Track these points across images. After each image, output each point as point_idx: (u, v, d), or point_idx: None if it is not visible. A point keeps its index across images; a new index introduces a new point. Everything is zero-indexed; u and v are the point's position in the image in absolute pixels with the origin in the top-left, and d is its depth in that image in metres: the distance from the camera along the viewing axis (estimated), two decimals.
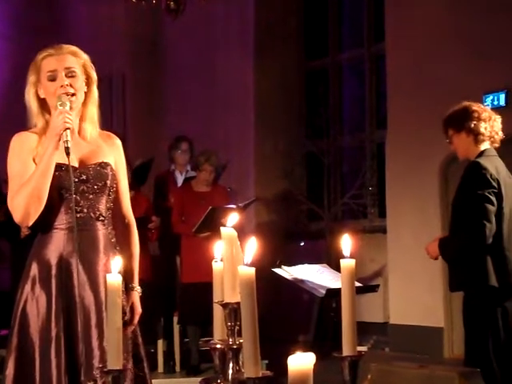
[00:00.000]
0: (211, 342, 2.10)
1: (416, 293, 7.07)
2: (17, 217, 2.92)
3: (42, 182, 2.87)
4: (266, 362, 5.09)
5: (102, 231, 3.02)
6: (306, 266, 5.24)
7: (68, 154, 2.82)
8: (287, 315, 8.05)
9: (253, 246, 1.76)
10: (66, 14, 10.00)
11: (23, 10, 9.86)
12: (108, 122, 8.56)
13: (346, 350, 1.94)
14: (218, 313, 2.12)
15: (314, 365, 1.52)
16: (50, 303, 2.92)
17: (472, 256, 4.18)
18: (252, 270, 1.71)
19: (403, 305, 7.22)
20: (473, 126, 4.27)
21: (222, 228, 2.00)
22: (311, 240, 8.34)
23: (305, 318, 8.04)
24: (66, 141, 2.83)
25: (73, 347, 2.89)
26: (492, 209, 4.12)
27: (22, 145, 3.00)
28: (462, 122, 4.31)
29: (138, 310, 3.17)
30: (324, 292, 4.85)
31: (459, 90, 6.25)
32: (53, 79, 3.00)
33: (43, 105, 3.05)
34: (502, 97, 6.57)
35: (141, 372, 3.08)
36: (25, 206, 2.87)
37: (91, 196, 3.01)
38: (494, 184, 4.15)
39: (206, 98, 8.89)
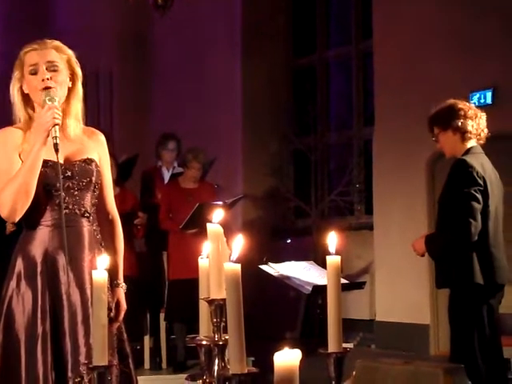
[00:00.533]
0: (197, 338, 2.10)
1: (402, 290, 7.08)
2: (4, 212, 2.91)
3: (30, 177, 2.86)
4: (252, 358, 5.09)
5: (87, 228, 3.01)
6: (292, 262, 5.25)
7: (57, 150, 2.81)
8: (273, 312, 8.05)
9: (239, 243, 1.76)
10: (53, 9, 9.95)
11: (9, 5, 9.81)
12: (95, 118, 8.55)
13: (332, 347, 1.95)
14: (203, 309, 2.11)
15: (300, 361, 1.53)
16: (35, 300, 2.90)
17: (458, 253, 4.20)
18: (238, 267, 1.71)
19: (390, 302, 7.23)
20: (460, 124, 4.28)
21: (207, 224, 1.99)
22: (298, 237, 8.34)
23: (291, 314, 8.05)
24: (55, 137, 2.82)
25: (59, 344, 2.88)
26: (478, 206, 4.14)
27: (6, 141, 2.98)
28: (449, 120, 4.32)
29: (123, 306, 3.16)
30: (310, 289, 4.86)
31: (446, 88, 6.27)
32: (34, 73, 2.98)
33: (27, 100, 3.03)
34: (489, 95, 6.58)
35: (126, 368, 3.07)
36: (12, 201, 2.86)
37: (76, 192, 2.99)
38: (480, 182, 4.16)
39: (194, 94, 8.87)
